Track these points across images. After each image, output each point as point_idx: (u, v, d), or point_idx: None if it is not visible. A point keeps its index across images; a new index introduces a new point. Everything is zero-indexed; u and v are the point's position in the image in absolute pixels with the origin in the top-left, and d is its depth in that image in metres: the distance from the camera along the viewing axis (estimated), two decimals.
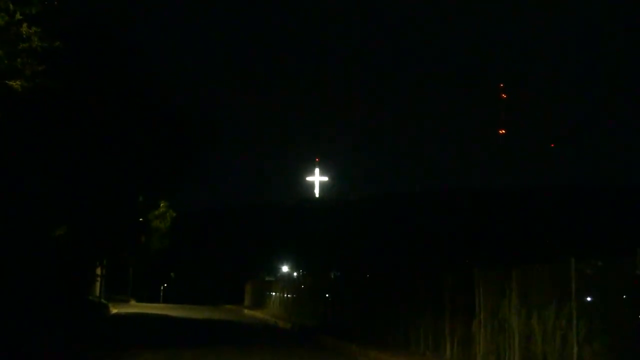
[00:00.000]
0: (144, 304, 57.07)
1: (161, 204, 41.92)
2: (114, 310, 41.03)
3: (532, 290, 14.41)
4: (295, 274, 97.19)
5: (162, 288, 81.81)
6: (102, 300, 45.34)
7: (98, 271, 47.79)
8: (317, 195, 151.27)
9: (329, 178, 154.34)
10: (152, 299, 73.09)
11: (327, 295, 33.05)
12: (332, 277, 75.95)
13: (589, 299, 12.96)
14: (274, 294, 47.64)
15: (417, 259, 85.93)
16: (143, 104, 28.56)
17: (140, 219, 38.01)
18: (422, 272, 23.22)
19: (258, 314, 45.70)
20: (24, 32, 14.34)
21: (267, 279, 75.59)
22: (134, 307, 48.86)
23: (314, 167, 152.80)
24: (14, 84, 14.69)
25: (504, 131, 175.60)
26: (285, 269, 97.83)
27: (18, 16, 14.15)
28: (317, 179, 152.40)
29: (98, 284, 49.92)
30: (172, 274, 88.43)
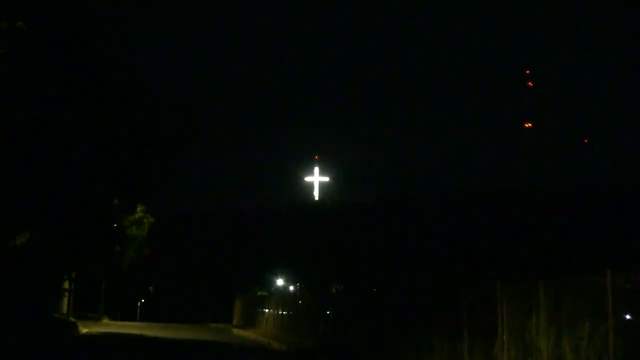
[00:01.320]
0: (119, 323, 57.03)
1: (138, 208, 41.88)
2: (84, 330, 40.96)
3: (562, 306, 14.32)
4: (291, 288, 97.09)
5: (139, 304, 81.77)
6: (71, 319, 45.24)
7: (65, 285, 47.74)
8: (316, 197, 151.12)
9: (329, 178, 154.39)
10: (128, 316, 73.07)
11: (327, 312, 32.99)
12: (334, 291, 76.12)
13: (628, 316, 12.87)
14: (267, 310, 47.61)
15: (431, 271, 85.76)
16: (118, 94, 28.50)
17: (114, 225, 37.96)
18: (437, 285, 23.17)
19: (249, 333, 45.67)
20: None
21: (259, 293, 75.49)
22: (107, 326, 48.83)
23: (313, 166, 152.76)
24: None
25: (530, 125, 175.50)
26: (280, 282, 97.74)
27: None
28: (316, 179, 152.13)
29: (65, 299, 49.85)
30: (150, 288, 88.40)
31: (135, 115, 30.09)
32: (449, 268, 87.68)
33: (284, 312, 42.43)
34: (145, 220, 42.78)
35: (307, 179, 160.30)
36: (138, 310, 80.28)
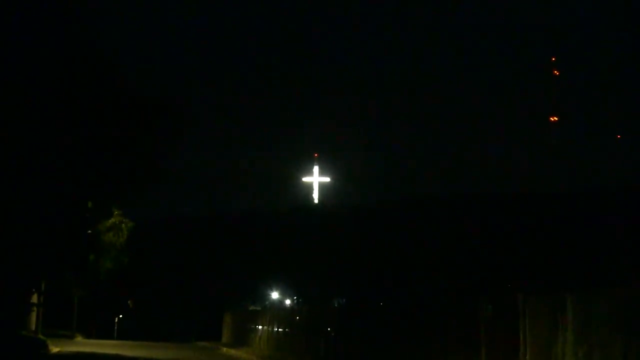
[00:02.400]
0: (94, 341, 57.00)
1: (115, 212, 41.86)
2: (54, 349, 40.94)
3: (592, 323, 14.29)
4: (287, 302, 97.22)
5: (116, 320, 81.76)
6: (40, 336, 45.22)
7: (34, 299, 47.70)
8: (315, 200, 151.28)
9: (330, 179, 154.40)
10: (104, 334, 73.08)
11: (329, 329, 32.98)
12: (336, 305, 76.02)
13: None
14: (260, 327, 47.63)
15: (445, 282, 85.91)
16: (92, 87, 28.55)
17: (89, 232, 37.95)
18: (451, 298, 23.15)
19: (240, 353, 45.68)
20: None
21: (252, 308, 75.59)
22: (81, 345, 48.81)
23: (312, 164, 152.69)
24: None
25: (556, 119, 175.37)
26: (275, 295, 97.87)
27: None
28: (315, 179, 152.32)
29: (34, 315, 49.82)
30: (129, 302, 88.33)
31: (112, 111, 30.11)
32: (463, 278, 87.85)
33: (279, 329, 42.42)
34: (123, 225, 42.75)
35: (306, 179, 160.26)
36: (115, 327, 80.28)
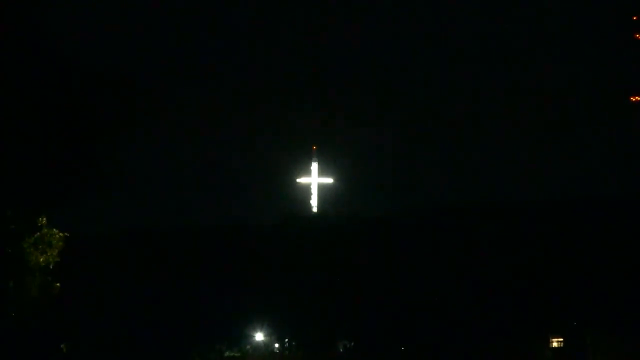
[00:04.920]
0: None
1: (41, 220, 41.71)
2: None
3: None
4: (276, 345, 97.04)
5: None
6: None
7: None
8: (314, 208, 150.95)
9: (333, 180, 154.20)
10: None
11: None
12: (341, 350, 76.12)
13: None
14: None
15: (481, 311, 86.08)
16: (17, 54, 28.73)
17: (9, 250, 37.91)
18: (493, 336, 23.27)
19: None
20: None
21: (228, 354, 75.43)
22: None
23: (310, 160, 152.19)
24: None
25: (638, 98, 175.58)
26: (259, 337, 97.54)
27: None
28: (314, 180, 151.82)
29: None
30: (62, 346, 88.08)
31: (47, 91, 30.29)
32: (504, 307, 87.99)
33: None
34: (53, 240, 42.58)
35: (301, 180, 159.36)
36: None
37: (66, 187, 35.81)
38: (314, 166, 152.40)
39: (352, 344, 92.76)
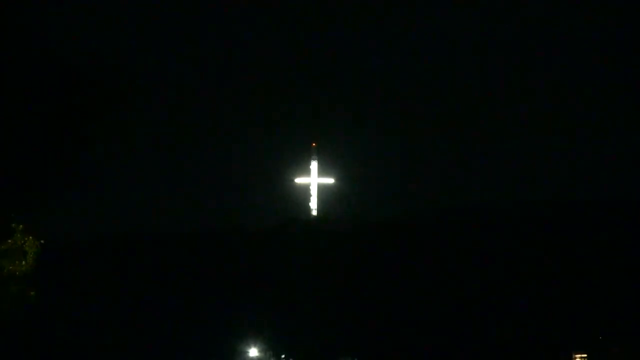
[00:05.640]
0: None
1: (16, 226, 41.57)
2: None
3: None
4: None
5: None
6: None
7: None
8: (313, 211, 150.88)
9: (334, 180, 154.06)
10: None
11: None
12: None
13: None
14: None
15: (499, 325, 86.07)
16: None
17: None
18: (512, 352, 22.90)
19: None
20: None
21: None
22: None
23: (309, 158, 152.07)
24: None
25: None
26: (253, 353, 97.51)
27: None
28: (313, 180, 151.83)
29: None
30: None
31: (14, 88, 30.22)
32: (530, 324, 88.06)
33: None
34: (27, 247, 42.42)
35: (300, 180, 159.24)
36: None
37: (44, 191, 35.63)
38: (314, 165, 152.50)
39: (355, 359, 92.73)
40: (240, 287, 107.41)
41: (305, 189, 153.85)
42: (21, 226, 43.21)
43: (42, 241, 43.88)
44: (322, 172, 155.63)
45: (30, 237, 43.52)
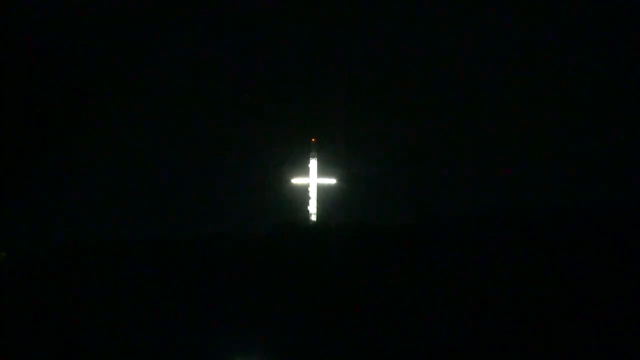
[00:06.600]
0: None
1: None
2: None
3: None
4: None
5: None
6: None
7: None
8: (313, 214, 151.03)
9: (336, 180, 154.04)
10: None
11: None
12: None
13: None
14: None
15: (520, 344, 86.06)
16: None
17: None
18: None
19: None
20: None
21: None
22: None
23: (308, 155, 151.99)
24: None
25: None
26: None
27: None
28: (313, 180, 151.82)
29: None
30: None
31: None
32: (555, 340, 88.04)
33: None
34: None
35: (297, 180, 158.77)
36: None
37: (4, 197, 35.49)
38: (313, 163, 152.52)
39: None
40: (231, 298, 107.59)
41: (304, 190, 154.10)
42: None
43: (3, 254, 44.13)
44: (322, 171, 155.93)
45: None
